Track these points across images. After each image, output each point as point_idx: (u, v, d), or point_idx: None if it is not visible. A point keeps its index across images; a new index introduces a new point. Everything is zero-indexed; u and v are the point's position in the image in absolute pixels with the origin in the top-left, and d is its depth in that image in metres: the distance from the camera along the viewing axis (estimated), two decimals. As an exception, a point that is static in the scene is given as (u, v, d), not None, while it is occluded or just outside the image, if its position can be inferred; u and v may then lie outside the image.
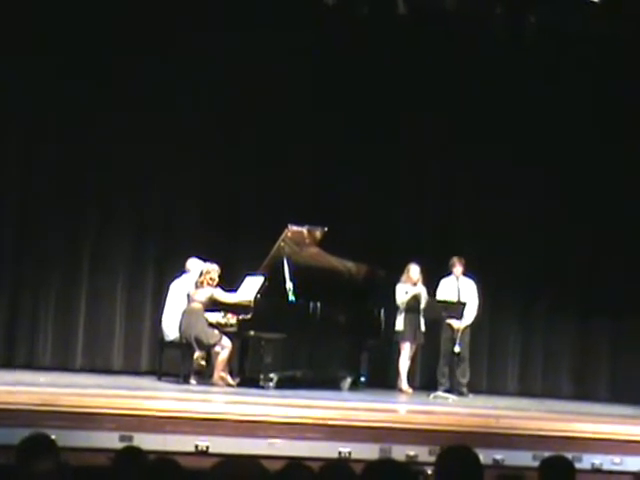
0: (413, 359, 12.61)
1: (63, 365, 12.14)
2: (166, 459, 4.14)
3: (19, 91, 12.14)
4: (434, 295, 12.32)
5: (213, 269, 11.15)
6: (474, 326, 12.46)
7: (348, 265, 11.91)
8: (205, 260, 11.37)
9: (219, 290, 11.12)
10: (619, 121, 13.89)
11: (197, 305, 11.02)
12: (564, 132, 13.87)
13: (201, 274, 11.16)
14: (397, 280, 12.29)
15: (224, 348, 10.86)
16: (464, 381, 12.37)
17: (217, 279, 11.13)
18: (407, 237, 13.59)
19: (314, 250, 11.69)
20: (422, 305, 12.18)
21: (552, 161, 13.79)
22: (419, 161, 13.86)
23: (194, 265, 11.52)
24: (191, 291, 11.18)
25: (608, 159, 13.92)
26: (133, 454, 4.76)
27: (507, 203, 13.94)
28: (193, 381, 10.96)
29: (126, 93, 12.53)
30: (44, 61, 12.17)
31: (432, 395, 11.81)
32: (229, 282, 11.39)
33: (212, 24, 12.74)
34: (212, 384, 10.84)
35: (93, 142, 12.53)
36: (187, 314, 11.02)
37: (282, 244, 11.31)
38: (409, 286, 12.27)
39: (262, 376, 11.01)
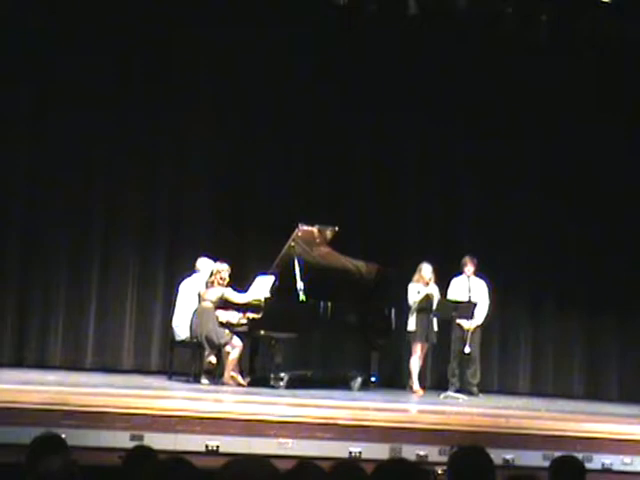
0: (424, 359, 12.59)
1: (73, 364, 12.13)
2: (177, 458, 4.12)
3: (21, 91, 12.16)
4: (445, 294, 12.31)
5: (223, 268, 11.15)
6: (484, 326, 12.43)
7: (358, 264, 11.89)
8: (215, 259, 11.36)
9: (230, 290, 11.12)
10: (629, 121, 13.91)
11: (208, 305, 11.02)
12: (570, 132, 13.87)
13: (211, 274, 11.16)
14: (407, 280, 12.27)
15: (235, 347, 10.86)
16: (474, 382, 12.35)
17: (227, 278, 11.13)
18: (414, 236, 13.57)
19: (325, 249, 11.68)
20: (434, 305, 12.17)
21: (560, 160, 13.78)
22: (426, 160, 13.84)
23: (204, 264, 11.51)
24: (202, 291, 11.19)
25: (616, 158, 13.92)
26: (144, 453, 4.77)
27: (515, 202, 13.95)
28: (204, 380, 10.94)
29: (131, 92, 12.57)
30: (44, 60, 12.17)
31: (443, 395, 11.79)
32: (240, 282, 11.39)
33: (217, 20, 12.76)
34: (223, 383, 10.84)
35: (100, 141, 12.54)
36: (198, 314, 11.02)
37: (293, 244, 11.29)
38: (421, 286, 12.23)
39: (273, 376, 11.02)
